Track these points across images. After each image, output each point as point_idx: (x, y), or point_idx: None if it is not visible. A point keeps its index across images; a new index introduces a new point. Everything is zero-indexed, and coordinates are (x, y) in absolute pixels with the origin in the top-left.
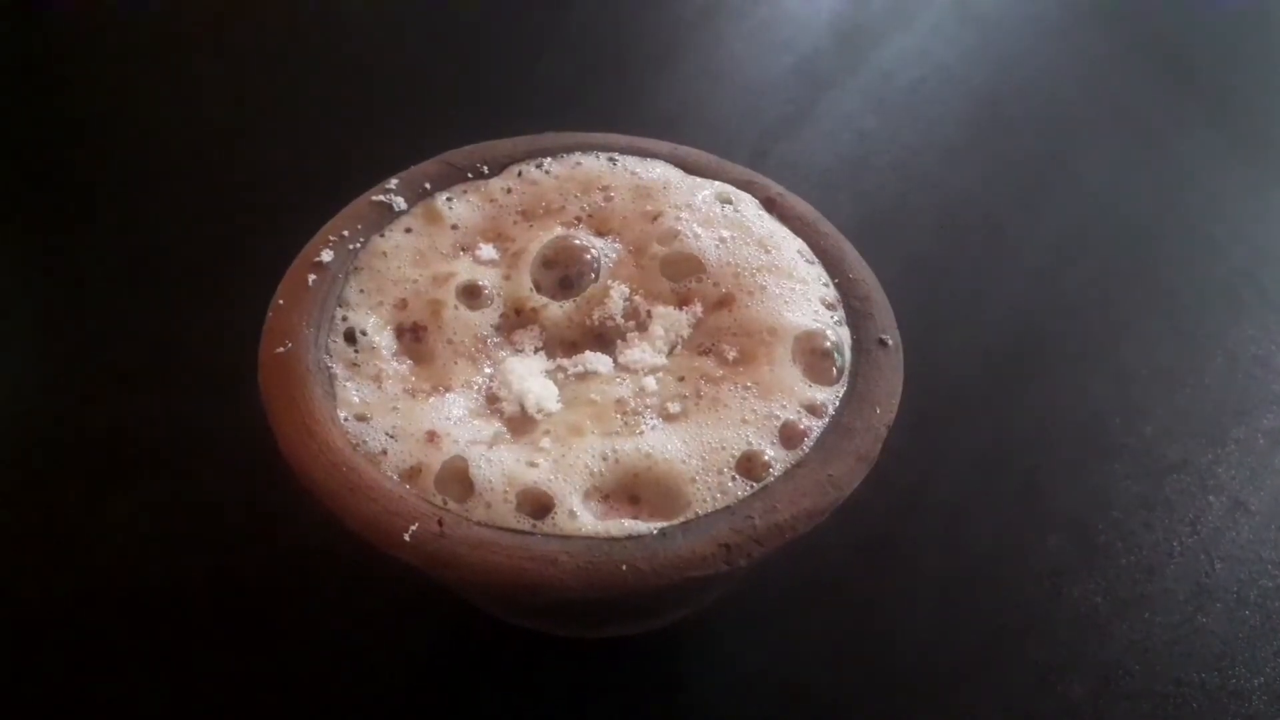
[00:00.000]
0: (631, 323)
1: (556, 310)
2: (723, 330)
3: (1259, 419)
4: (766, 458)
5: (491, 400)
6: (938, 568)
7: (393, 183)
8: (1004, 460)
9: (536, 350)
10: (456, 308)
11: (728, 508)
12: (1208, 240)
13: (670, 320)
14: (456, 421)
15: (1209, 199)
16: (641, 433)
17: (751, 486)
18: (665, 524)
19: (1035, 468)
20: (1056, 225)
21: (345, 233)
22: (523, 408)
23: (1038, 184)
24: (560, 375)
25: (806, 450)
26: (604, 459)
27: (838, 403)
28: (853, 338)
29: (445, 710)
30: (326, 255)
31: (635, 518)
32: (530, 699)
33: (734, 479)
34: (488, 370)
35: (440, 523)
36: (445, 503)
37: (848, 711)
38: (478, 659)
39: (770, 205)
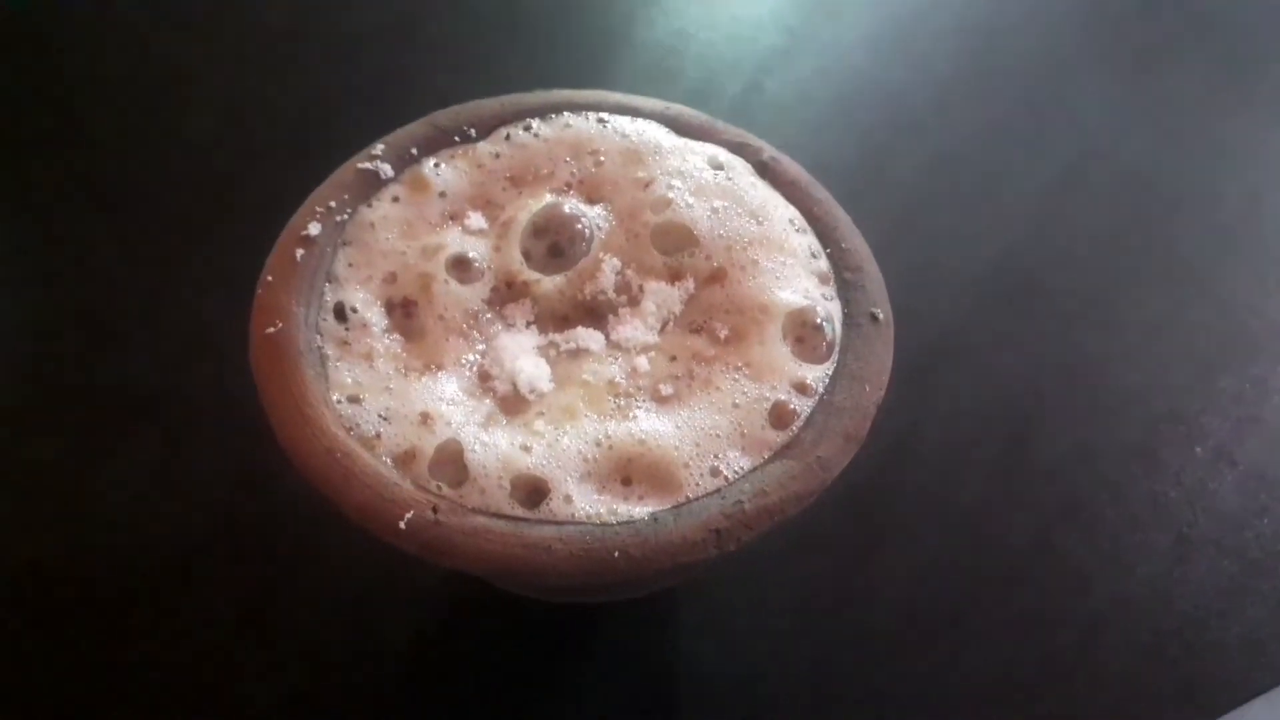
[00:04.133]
0: (624, 297)
1: (548, 284)
2: (715, 307)
3: (1247, 368)
4: (758, 440)
5: (484, 378)
6: (925, 518)
7: (379, 148)
8: (993, 410)
9: (528, 324)
10: (447, 282)
11: (718, 491)
12: (1205, 182)
13: (662, 296)
14: (450, 402)
15: (1208, 139)
16: (634, 416)
17: (742, 469)
18: (657, 508)
19: (1024, 417)
20: (1052, 167)
21: (332, 203)
22: (515, 387)
23: (1034, 124)
24: (553, 352)
25: (796, 431)
26: (597, 444)
27: (827, 381)
28: (844, 311)
29: (430, 672)
30: (314, 228)
31: (628, 500)
32: (525, 658)
33: (726, 462)
34: (480, 347)
35: (435, 510)
36: (440, 488)
37: (836, 662)
38: (466, 622)
39: (763, 170)
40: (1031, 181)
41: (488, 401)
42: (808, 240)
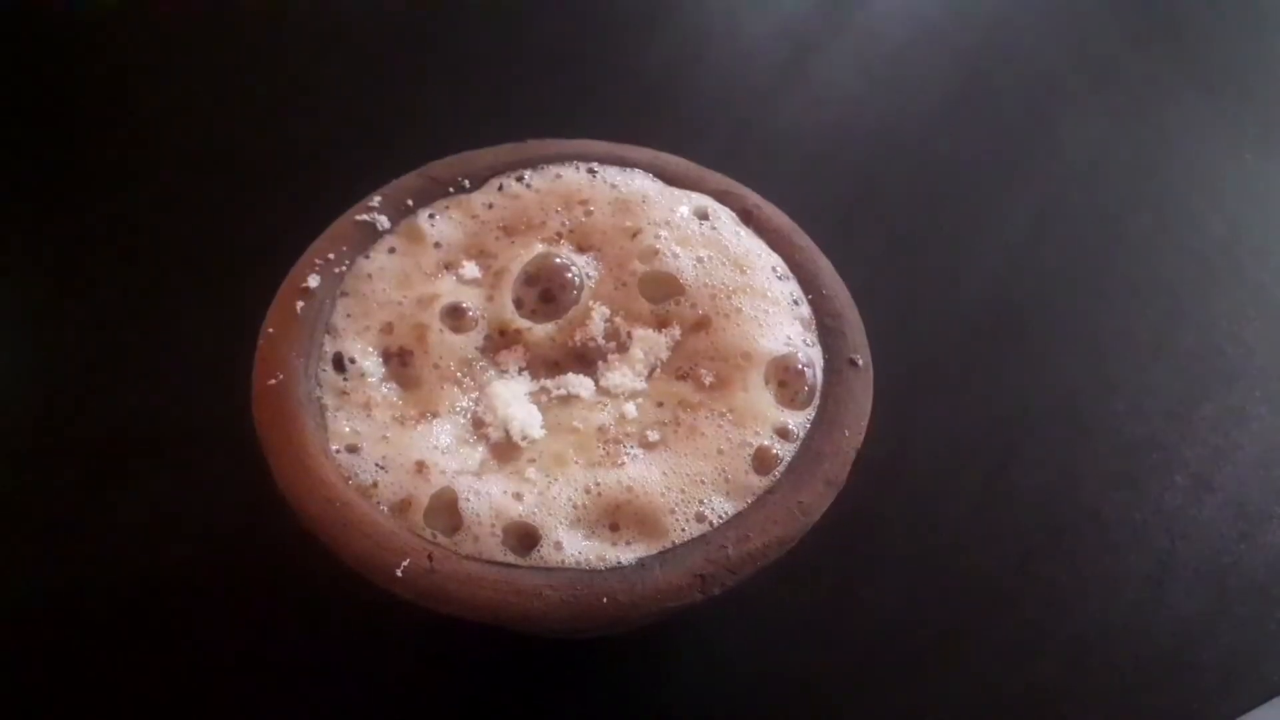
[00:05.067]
0: (612, 343)
1: (540, 332)
2: (700, 354)
3: (1226, 396)
4: (742, 486)
5: (477, 424)
6: (909, 547)
7: (375, 200)
8: (976, 437)
9: (520, 370)
10: (441, 331)
11: (703, 537)
12: (1186, 211)
13: (649, 343)
14: (444, 451)
15: (1190, 167)
16: (622, 464)
17: (725, 515)
18: (644, 554)
19: (1007, 445)
20: (1037, 196)
21: (330, 255)
22: (507, 434)
23: (1020, 153)
24: (544, 398)
25: (778, 476)
26: (586, 491)
27: (808, 426)
28: (824, 357)
29: (424, 707)
30: (313, 280)
31: (615, 546)
32: (515, 689)
33: (711, 507)
34: (473, 394)
35: (430, 558)
36: (435, 536)
37: (821, 691)
38: (456, 654)
39: (747, 217)
40: (1017, 211)
41: (481, 449)
42: (790, 287)
